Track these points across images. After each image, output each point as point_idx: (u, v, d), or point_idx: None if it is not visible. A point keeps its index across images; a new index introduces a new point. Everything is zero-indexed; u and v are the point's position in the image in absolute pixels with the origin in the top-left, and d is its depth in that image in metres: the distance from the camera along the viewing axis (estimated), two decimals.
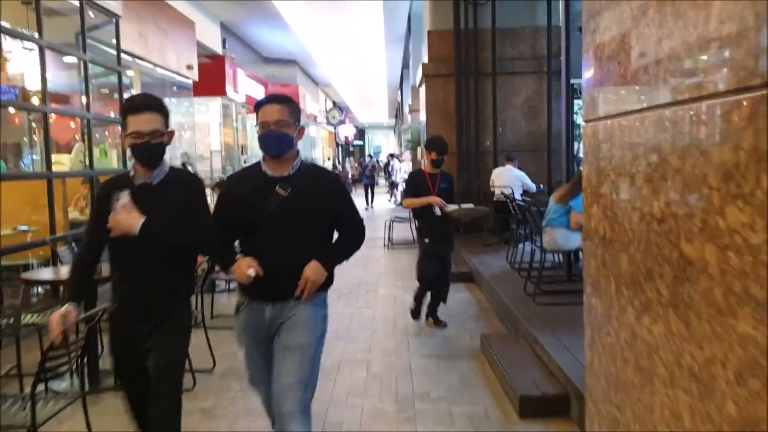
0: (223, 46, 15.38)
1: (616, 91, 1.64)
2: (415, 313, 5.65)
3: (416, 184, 5.38)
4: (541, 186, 9.60)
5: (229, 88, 15.69)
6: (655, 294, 1.37)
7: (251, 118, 20.09)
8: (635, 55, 1.51)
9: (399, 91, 31.26)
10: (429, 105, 10.31)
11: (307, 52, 20.20)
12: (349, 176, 24.28)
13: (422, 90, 10.75)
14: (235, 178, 2.94)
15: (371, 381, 4.25)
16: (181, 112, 14.15)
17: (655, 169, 1.39)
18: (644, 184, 1.45)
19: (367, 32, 18.28)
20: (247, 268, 2.49)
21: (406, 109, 19.62)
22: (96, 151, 7.90)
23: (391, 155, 27.40)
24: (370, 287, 7.44)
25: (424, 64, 10.31)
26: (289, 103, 2.71)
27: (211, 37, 14.75)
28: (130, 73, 10.35)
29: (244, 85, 17.25)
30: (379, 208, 18.47)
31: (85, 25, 7.38)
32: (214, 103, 16.02)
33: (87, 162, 6.91)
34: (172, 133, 2.73)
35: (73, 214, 6.89)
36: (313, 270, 2.53)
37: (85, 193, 7.06)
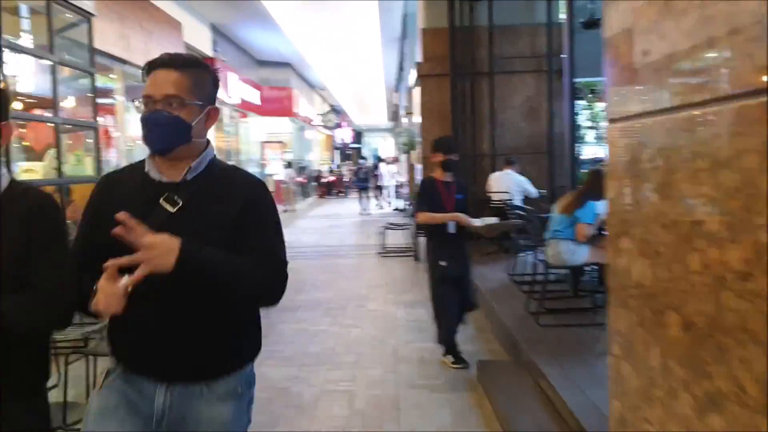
0: (214, 49, 14.94)
1: (661, 81, 1.17)
2: (458, 358, 4.62)
3: (431, 195, 4.61)
4: (543, 191, 9.14)
5: (220, 92, 15.23)
6: (733, 387, 0.90)
7: (244, 123, 19.64)
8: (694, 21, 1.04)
9: (395, 94, 30.83)
10: (424, 106, 9.85)
11: (300, 55, 19.77)
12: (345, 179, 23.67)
13: (416, 91, 10.30)
14: (111, 180, 1.83)
15: (354, 417, 3.77)
16: None
17: (738, 189, 0.92)
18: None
19: (362, 33, 17.84)
20: (111, 286, 1.51)
21: (402, 111, 19.17)
22: (72, 158, 7.46)
23: (378, 158, 26.86)
24: (360, 301, 6.95)
25: (418, 64, 9.85)
26: (192, 68, 1.73)
27: (200, 39, 14.30)
28: (113, 76, 9.91)
29: (237, 89, 16.80)
30: (374, 217, 17.99)
31: (60, 25, 6.95)
32: None
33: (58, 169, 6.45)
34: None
35: None
36: (159, 243, 1.52)
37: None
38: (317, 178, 27.86)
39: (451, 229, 4.55)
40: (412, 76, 10.65)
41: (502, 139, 9.83)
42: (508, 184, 8.55)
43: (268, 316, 2.47)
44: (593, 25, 7.59)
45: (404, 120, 19.10)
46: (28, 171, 6.86)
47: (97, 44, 8.81)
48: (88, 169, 7.31)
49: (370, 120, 46.62)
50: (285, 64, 21.28)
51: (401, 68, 22.81)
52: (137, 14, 10.11)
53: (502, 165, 9.09)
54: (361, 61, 21.98)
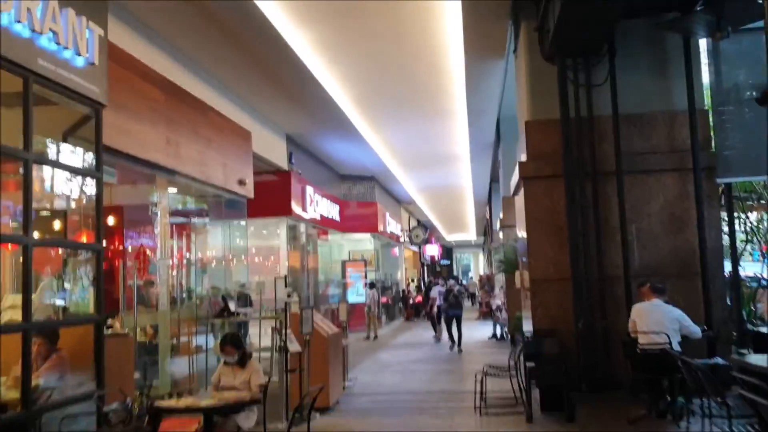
0: (289, 161, 13.71)
1: None
2: None
3: None
4: (705, 329, 6.65)
5: (296, 207, 13.83)
6: None
7: (324, 242, 18.17)
8: None
9: (487, 207, 28.96)
10: (530, 215, 7.77)
11: (385, 168, 18.43)
12: (437, 304, 17.12)
13: (519, 197, 8.26)
14: None
15: None
16: (239, 233, 12.30)
17: None
18: None
19: (450, 144, 16.33)
20: None
21: (497, 225, 17.10)
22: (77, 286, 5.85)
23: (433, 279, 23.89)
24: None
25: (521, 164, 7.88)
26: None
27: (274, 150, 13.12)
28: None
29: (316, 204, 15.41)
30: (470, 348, 15.47)
31: (67, 120, 5.58)
32: (280, 224, 14.17)
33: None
34: None
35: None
36: None
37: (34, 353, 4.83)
38: (404, 298, 25.79)
39: None
40: (513, 179, 8.65)
41: (637, 257, 7.51)
42: (661, 319, 6.14)
43: None
44: None
45: (499, 235, 16.97)
46: (12, 307, 5.23)
47: (136, 150, 7.48)
48: (89, 304, 5.61)
49: (460, 235, 44.83)
50: (369, 178, 20.01)
51: (493, 178, 21.04)
52: (191, 119, 8.85)
53: (645, 293, 6.71)
54: (450, 174, 20.43)
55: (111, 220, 10.01)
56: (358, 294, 19.18)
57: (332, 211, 17.22)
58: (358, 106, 12.73)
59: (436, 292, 17.95)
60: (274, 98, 11.34)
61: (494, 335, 17.22)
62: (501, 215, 15.46)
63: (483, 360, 11.99)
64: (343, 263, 19.83)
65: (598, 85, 7.57)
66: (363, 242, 21.29)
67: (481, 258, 55.80)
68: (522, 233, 8.57)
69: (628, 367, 6.93)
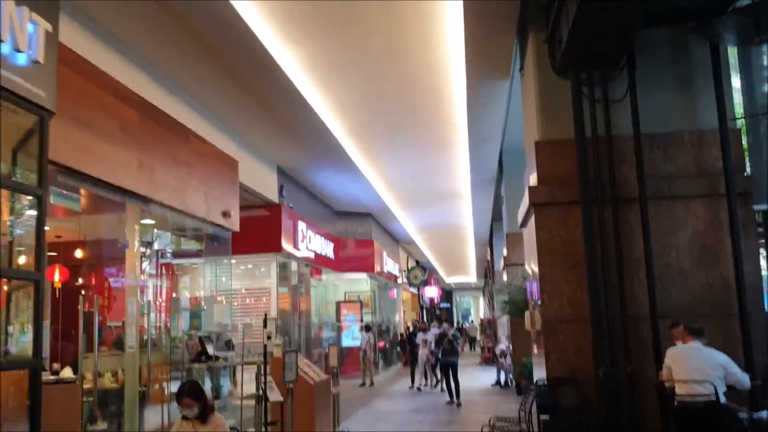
0: (280, 194, 12.93)
1: None
2: None
3: None
4: (753, 378, 5.74)
5: (286, 244, 13.00)
6: None
7: (316, 280, 17.24)
8: None
9: (488, 248, 28.12)
10: (542, 248, 6.93)
11: (383, 204, 17.65)
12: (427, 349, 15.44)
13: (529, 228, 7.43)
14: None
15: None
16: (224, 271, 11.44)
17: None
18: None
19: (451, 178, 15.61)
20: None
21: (500, 264, 16.23)
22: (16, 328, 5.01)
23: (418, 323, 21.39)
24: None
25: (531, 189, 7.07)
26: None
27: (264, 182, 12.37)
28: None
29: (308, 240, 14.57)
30: (472, 396, 14.43)
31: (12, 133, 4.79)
32: (270, 262, 13.31)
33: None
34: None
35: None
36: None
37: None
38: (402, 342, 24.69)
39: None
40: (521, 209, 7.84)
41: (665, 294, 6.63)
42: (703, 366, 5.23)
43: None
44: None
45: (503, 275, 16.09)
46: None
47: (102, 173, 6.69)
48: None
49: (460, 278, 43.85)
50: (366, 215, 19.22)
51: (495, 217, 20.26)
52: (168, 141, 8.11)
53: (679, 335, 5.82)
54: (450, 210, 19.66)
55: (79, 254, 9.19)
56: (353, 337, 18.17)
57: (326, 248, 16.37)
58: (353, 136, 12.04)
59: (429, 336, 15.67)
60: (263, 125, 10.64)
61: (498, 382, 16.18)
62: (505, 253, 14.61)
63: (488, 410, 10.99)
64: (338, 304, 18.87)
65: (617, 101, 6.82)
66: (360, 283, 20.37)
67: (482, 301, 54.63)
68: (533, 268, 7.72)
69: (661, 421, 6.01)
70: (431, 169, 14.62)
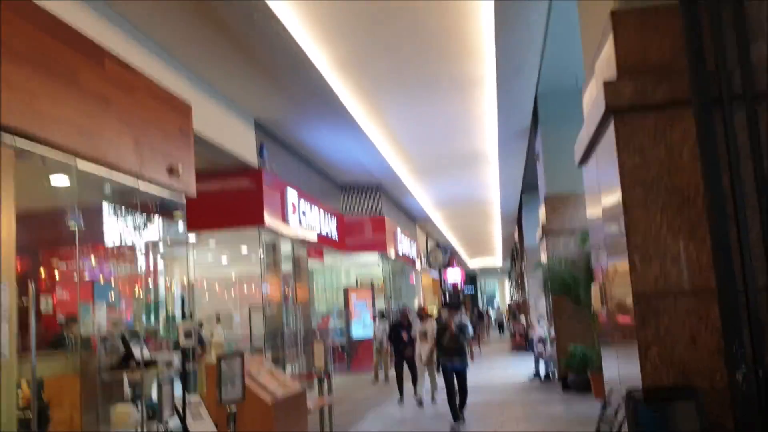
0: (260, 155, 10.42)
1: None
2: None
3: None
4: None
5: (271, 217, 10.48)
6: None
7: (320, 264, 14.76)
8: None
9: (516, 226, 25.45)
10: (630, 179, 4.33)
11: (394, 174, 15.08)
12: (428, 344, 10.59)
13: (606, 144, 4.72)
14: None
15: None
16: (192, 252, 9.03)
17: None
18: None
19: (473, 134, 13.02)
20: None
21: (536, 236, 13.55)
22: None
23: (406, 310, 14.47)
24: None
25: (608, 86, 4.42)
26: None
27: (239, 139, 9.90)
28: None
29: (302, 214, 12.09)
30: (508, 394, 11.84)
31: None
32: (250, 239, 10.85)
33: None
34: None
35: None
36: None
37: None
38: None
39: None
40: (585, 130, 5.17)
41: None
42: None
43: None
44: None
45: (539, 249, 13.47)
46: None
47: None
48: None
49: (485, 261, 41.22)
50: (375, 188, 16.62)
51: (525, 187, 17.59)
52: (69, 62, 5.65)
53: None
54: (473, 178, 17.03)
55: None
56: (364, 326, 15.69)
57: (328, 225, 13.86)
58: (345, 74, 9.47)
59: (427, 327, 10.80)
60: (230, 63, 8.23)
61: (537, 374, 13.61)
62: (543, 220, 11.96)
63: (530, 414, 8.47)
64: (345, 291, 16.39)
65: None
66: (374, 266, 17.87)
67: (507, 285, 51.93)
68: (610, 216, 5.06)
69: None
70: (449, 120, 12.00)
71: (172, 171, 7.27)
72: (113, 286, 7.00)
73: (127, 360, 5.65)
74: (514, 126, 11.90)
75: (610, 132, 4.42)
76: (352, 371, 15.76)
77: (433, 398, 11.06)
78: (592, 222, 5.85)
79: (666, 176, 4.22)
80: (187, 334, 4.22)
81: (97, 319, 5.78)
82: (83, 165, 5.91)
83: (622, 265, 4.40)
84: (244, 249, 11.22)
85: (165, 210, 7.65)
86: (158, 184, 7.09)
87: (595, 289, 5.51)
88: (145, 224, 7.32)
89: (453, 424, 8.81)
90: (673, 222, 4.18)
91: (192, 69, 8.39)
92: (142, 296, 7.05)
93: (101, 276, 6.95)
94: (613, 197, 4.55)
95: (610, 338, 5.53)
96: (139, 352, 5.66)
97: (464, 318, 10.52)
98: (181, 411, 3.85)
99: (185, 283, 8.16)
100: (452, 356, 9.10)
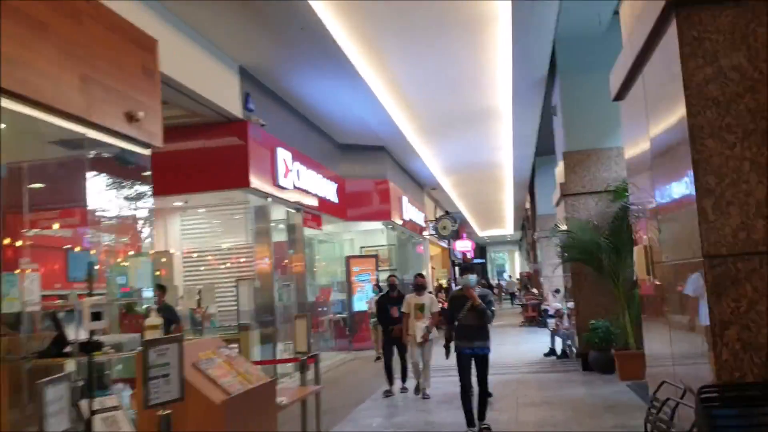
0: (245, 106, 9.30)
1: None
2: None
3: None
4: None
5: (257, 177, 9.40)
6: None
7: (320, 233, 13.72)
8: None
9: (528, 193, 24.30)
10: (696, 94, 3.16)
11: (399, 132, 13.90)
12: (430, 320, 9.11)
13: (663, 53, 3.57)
14: None
15: None
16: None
17: None
18: None
19: (484, 87, 11.84)
20: None
21: (554, 198, 12.40)
22: None
23: (395, 278, 10.07)
24: None
25: None
26: None
27: (221, 87, 8.79)
28: None
29: (296, 175, 11.01)
30: (524, 374, 10.79)
31: None
32: (237, 201, 9.81)
33: None
34: None
35: None
36: None
37: None
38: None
39: None
40: (636, 30, 4.00)
41: None
42: None
43: None
44: None
45: (556, 211, 12.36)
46: None
47: None
48: None
49: (495, 231, 40.10)
50: (378, 149, 15.47)
51: (539, 149, 16.41)
52: None
53: None
54: (485, 140, 15.84)
55: None
56: (367, 300, 14.71)
57: (326, 189, 12.78)
58: (351, 25, 8.29)
59: (425, 299, 9.16)
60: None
61: (552, 351, 12.60)
62: (562, 179, 10.81)
63: (548, 399, 7.48)
64: (347, 259, 15.37)
65: None
66: (379, 235, 16.82)
67: (517, 256, 50.86)
68: (668, 146, 3.94)
69: None
70: (460, 69, 10.79)
71: (131, 117, 6.16)
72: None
73: (60, 345, 4.62)
74: (530, 75, 10.69)
75: (671, 35, 3.29)
76: (354, 348, 14.82)
77: (417, 390, 9.05)
78: (636, 167, 4.70)
79: (749, 93, 3.11)
80: (96, 315, 3.17)
81: (27, 292, 4.74)
82: (7, 103, 4.82)
83: (685, 216, 3.32)
84: (230, 215, 10.18)
85: (125, 165, 6.57)
86: (113, 133, 5.99)
87: (639, 253, 4.42)
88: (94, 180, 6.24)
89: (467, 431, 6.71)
90: (758, 156, 3.08)
91: (165, 4, 7.26)
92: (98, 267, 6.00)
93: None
94: (672, 124, 3.43)
95: (658, 314, 4.41)
96: (76, 333, 4.61)
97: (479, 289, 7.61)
98: (85, 420, 2.80)
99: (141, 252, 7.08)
100: (472, 338, 6.70)
